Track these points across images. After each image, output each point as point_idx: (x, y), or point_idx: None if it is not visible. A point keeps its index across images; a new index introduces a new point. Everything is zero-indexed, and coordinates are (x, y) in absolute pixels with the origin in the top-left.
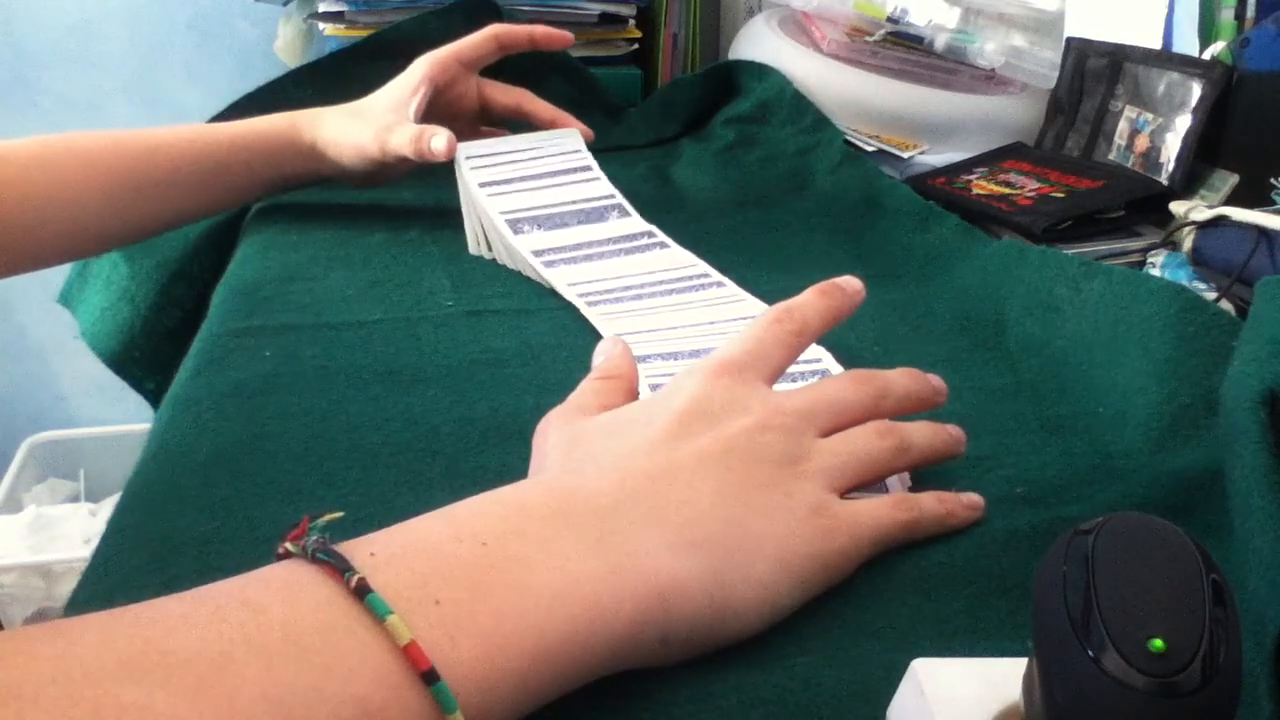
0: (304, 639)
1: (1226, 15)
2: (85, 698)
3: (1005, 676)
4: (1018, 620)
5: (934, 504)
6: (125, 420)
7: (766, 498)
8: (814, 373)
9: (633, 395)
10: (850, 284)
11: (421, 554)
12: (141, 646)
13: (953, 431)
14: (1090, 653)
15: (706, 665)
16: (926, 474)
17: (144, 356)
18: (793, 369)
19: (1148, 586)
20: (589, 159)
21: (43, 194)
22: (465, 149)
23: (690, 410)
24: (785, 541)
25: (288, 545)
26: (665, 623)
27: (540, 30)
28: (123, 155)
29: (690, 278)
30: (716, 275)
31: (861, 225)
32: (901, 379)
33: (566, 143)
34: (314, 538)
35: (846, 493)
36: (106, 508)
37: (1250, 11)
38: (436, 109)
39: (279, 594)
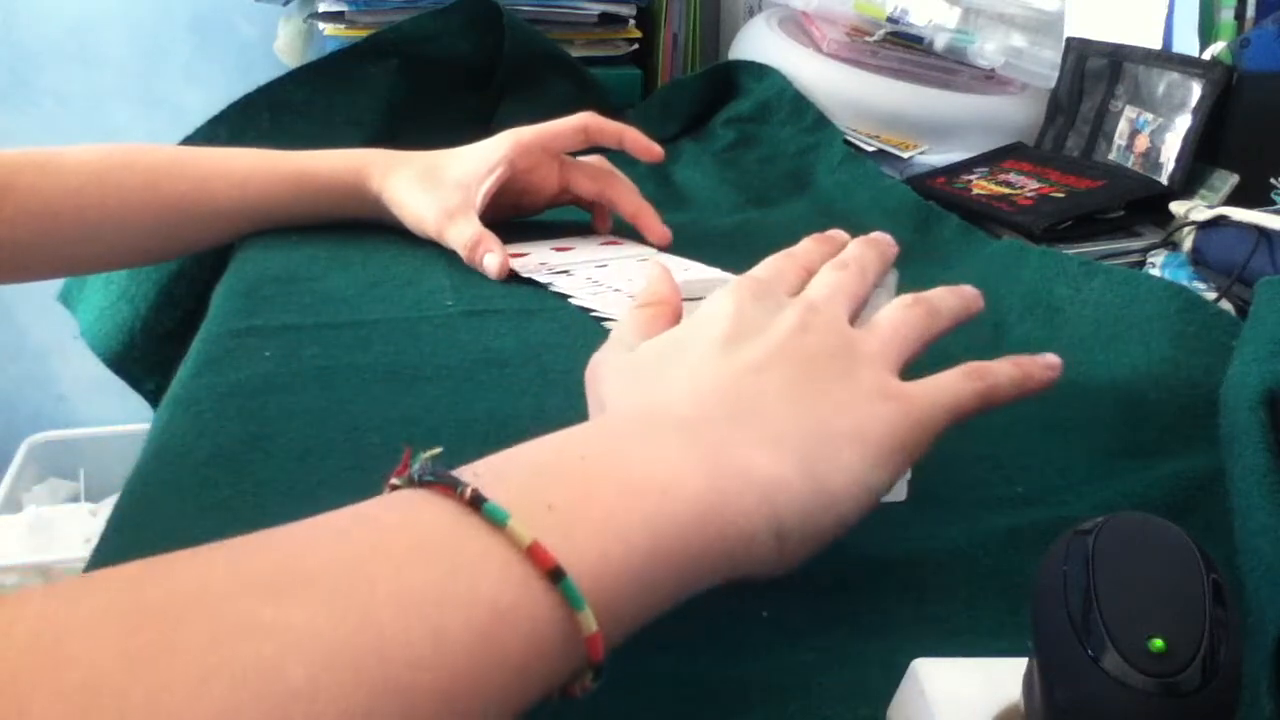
0: (428, 547)
1: (1226, 15)
2: (227, 616)
3: (1005, 676)
4: (1018, 620)
5: (1008, 368)
6: (125, 420)
7: (833, 389)
8: None
9: (676, 320)
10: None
11: (525, 469)
12: (272, 567)
13: (967, 292)
14: (1090, 653)
15: (706, 665)
16: (927, 474)
17: (144, 356)
18: None
19: (1148, 586)
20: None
21: (99, 208)
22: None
23: (734, 326)
24: (862, 426)
25: (394, 480)
26: (774, 515)
27: (631, 135)
28: (183, 178)
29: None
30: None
31: (861, 225)
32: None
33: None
34: (418, 465)
35: (902, 371)
36: (106, 508)
37: (1250, 11)
38: (512, 186)
39: (398, 512)
